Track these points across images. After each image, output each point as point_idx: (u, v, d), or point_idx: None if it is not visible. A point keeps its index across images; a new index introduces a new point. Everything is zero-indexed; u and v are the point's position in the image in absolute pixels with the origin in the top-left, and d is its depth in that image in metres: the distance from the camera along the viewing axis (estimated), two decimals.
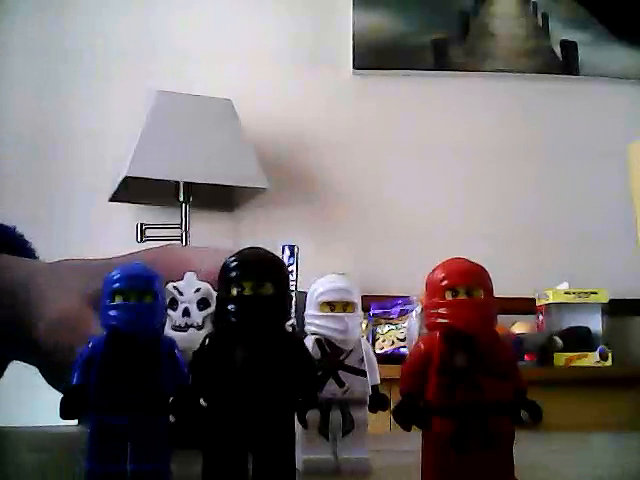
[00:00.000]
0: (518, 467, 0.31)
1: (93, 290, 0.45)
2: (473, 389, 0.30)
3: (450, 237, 2.22)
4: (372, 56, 2.39)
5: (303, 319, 0.37)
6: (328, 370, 0.36)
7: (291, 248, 2.09)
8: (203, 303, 0.45)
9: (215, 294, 0.45)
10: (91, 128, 2.21)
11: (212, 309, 0.45)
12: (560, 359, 1.94)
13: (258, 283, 0.30)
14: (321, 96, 2.38)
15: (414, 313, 1.85)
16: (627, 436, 0.64)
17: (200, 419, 0.30)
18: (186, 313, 0.45)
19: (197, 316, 0.45)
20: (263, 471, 0.30)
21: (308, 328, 0.37)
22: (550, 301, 2.03)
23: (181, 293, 0.45)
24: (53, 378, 0.48)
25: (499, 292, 0.37)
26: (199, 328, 0.44)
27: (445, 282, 0.31)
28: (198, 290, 0.45)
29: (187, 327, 0.44)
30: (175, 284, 0.45)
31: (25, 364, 0.50)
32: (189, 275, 0.46)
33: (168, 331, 0.38)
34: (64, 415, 0.31)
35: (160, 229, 2.03)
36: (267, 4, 2.39)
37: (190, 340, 0.41)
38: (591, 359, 1.96)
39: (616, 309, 2.14)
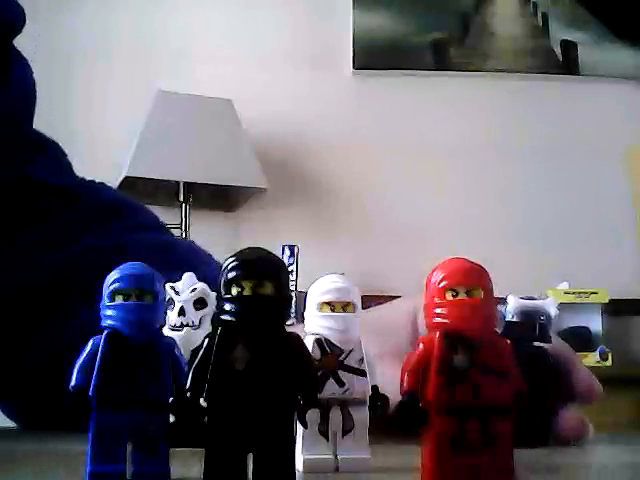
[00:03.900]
0: (518, 467, 0.31)
1: None
2: (473, 389, 0.30)
3: (450, 237, 2.22)
4: (372, 56, 2.39)
5: (303, 319, 0.37)
6: (328, 370, 0.36)
7: (291, 248, 2.09)
8: (200, 303, 0.45)
9: (212, 294, 0.45)
10: (91, 128, 2.21)
11: (208, 309, 0.45)
12: None
13: (258, 283, 0.30)
14: (321, 96, 2.38)
15: None
16: (627, 436, 0.64)
17: (200, 419, 0.30)
18: (182, 312, 0.45)
19: (193, 315, 0.45)
20: (263, 471, 0.30)
21: (308, 328, 0.37)
22: None
23: (177, 292, 0.45)
24: None
25: (499, 292, 0.37)
26: (195, 327, 0.44)
27: (445, 282, 0.31)
28: (194, 290, 0.45)
29: (182, 326, 0.44)
30: (172, 284, 0.45)
31: None
32: (187, 275, 0.46)
33: (164, 330, 0.38)
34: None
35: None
36: (267, 4, 2.39)
37: (186, 339, 0.41)
38: (591, 359, 1.96)
39: (616, 309, 2.14)
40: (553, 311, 0.50)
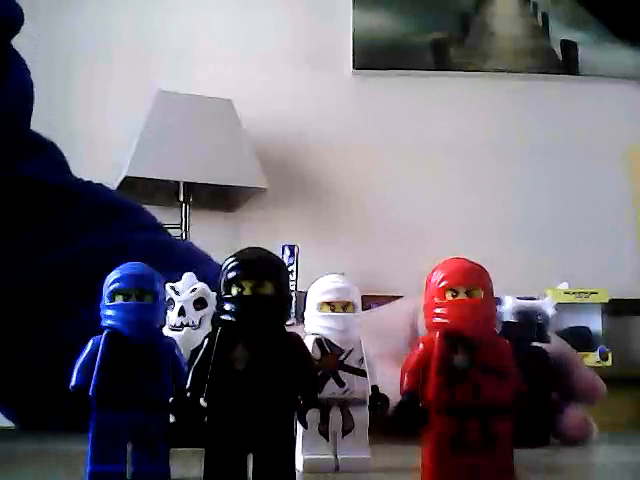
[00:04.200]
0: (518, 467, 0.31)
1: None
2: (473, 389, 0.30)
3: (450, 237, 2.22)
4: (372, 56, 2.39)
5: (303, 319, 0.37)
6: (328, 370, 0.36)
7: (291, 248, 2.09)
8: (200, 303, 0.45)
9: (212, 294, 0.45)
10: (91, 128, 2.21)
11: (209, 309, 0.45)
12: None
13: (258, 283, 0.30)
14: (321, 96, 2.38)
15: None
16: (627, 436, 0.64)
17: (200, 419, 0.30)
18: (182, 312, 0.45)
19: (193, 315, 0.45)
20: (263, 471, 0.30)
21: (308, 328, 0.37)
22: None
23: (177, 293, 0.45)
24: None
25: (499, 292, 0.37)
26: (195, 327, 0.44)
27: (445, 282, 0.31)
28: (194, 290, 0.45)
29: (182, 326, 0.44)
30: (172, 284, 0.45)
31: None
32: (187, 275, 0.46)
33: (164, 330, 0.38)
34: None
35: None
36: (267, 4, 2.39)
37: (186, 339, 0.41)
38: (591, 359, 1.96)
39: (616, 309, 2.14)
40: (550, 311, 0.50)
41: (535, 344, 0.49)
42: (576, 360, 0.51)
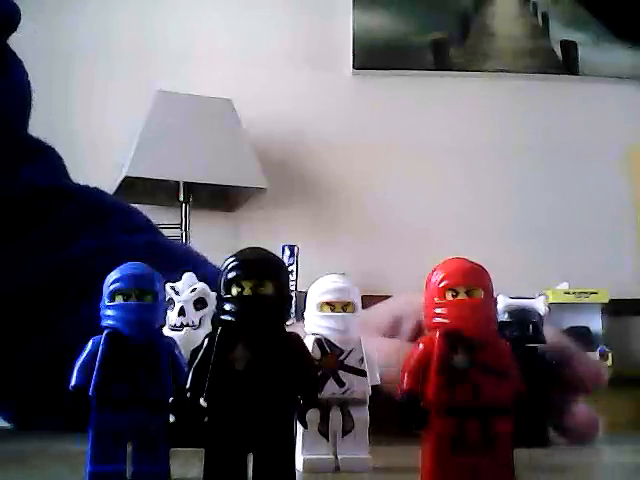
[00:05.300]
0: (518, 467, 0.31)
1: None
2: (473, 389, 0.30)
3: (450, 237, 2.22)
4: (372, 56, 2.39)
5: (303, 319, 0.37)
6: (328, 370, 0.36)
7: (291, 248, 2.09)
8: (200, 303, 0.45)
9: (212, 294, 0.45)
10: (91, 128, 2.21)
11: (208, 309, 0.45)
12: None
13: (258, 283, 0.30)
14: (321, 96, 2.38)
15: None
16: (627, 436, 0.64)
17: (200, 419, 0.30)
18: (182, 312, 0.45)
19: (193, 315, 0.45)
20: (263, 471, 0.30)
21: (308, 328, 0.37)
22: (550, 301, 2.03)
23: (177, 293, 0.45)
24: None
25: (499, 292, 0.37)
26: (195, 327, 0.44)
27: (445, 282, 0.31)
28: (194, 290, 0.45)
29: (182, 326, 0.44)
30: (172, 284, 0.45)
31: None
32: (187, 275, 0.46)
33: (164, 330, 0.38)
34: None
35: (160, 229, 2.02)
36: (267, 4, 2.39)
37: (186, 339, 0.41)
38: None
39: (616, 309, 2.14)
40: (543, 309, 0.50)
41: (530, 345, 0.49)
42: (574, 349, 0.51)
